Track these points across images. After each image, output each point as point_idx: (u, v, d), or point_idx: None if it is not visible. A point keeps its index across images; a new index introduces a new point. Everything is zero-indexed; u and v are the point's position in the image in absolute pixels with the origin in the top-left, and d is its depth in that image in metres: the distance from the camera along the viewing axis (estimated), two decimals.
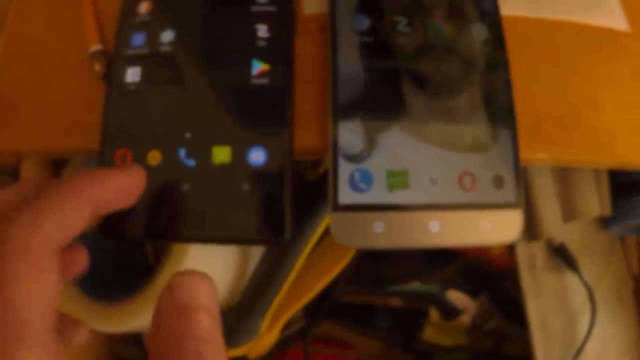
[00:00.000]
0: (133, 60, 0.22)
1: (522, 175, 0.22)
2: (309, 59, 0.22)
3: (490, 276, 0.29)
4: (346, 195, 0.20)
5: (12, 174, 0.29)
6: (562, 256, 0.28)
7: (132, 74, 0.22)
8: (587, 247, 0.30)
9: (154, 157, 0.21)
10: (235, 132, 0.21)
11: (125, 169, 0.19)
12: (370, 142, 0.21)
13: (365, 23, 0.22)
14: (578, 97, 0.25)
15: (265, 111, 0.21)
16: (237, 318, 0.25)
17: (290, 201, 0.20)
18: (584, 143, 0.25)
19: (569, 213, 0.28)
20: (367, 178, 0.21)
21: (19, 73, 0.25)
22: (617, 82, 0.27)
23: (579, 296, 0.28)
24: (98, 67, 0.23)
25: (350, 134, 0.21)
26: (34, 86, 0.25)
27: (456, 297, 0.29)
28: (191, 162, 0.21)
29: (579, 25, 0.26)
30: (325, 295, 0.27)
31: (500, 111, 0.22)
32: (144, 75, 0.22)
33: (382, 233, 0.21)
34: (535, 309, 0.27)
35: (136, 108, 0.22)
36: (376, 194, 0.21)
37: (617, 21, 0.27)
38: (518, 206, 0.22)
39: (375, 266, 0.24)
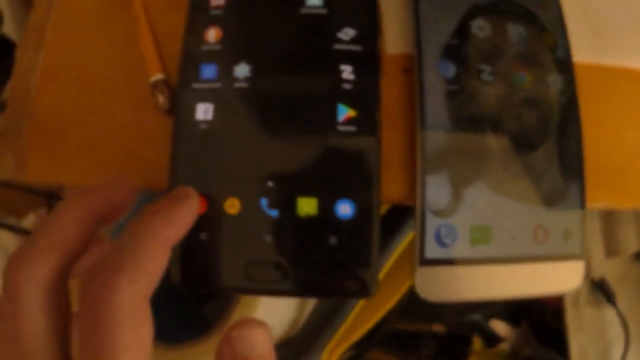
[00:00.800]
0: (203, 96, 0.21)
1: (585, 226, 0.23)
2: (391, 101, 0.22)
3: (531, 306, 0.30)
4: (432, 250, 0.20)
5: (47, 195, 0.27)
6: (602, 291, 0.29)
7: (203, 111, 0.21)
8: (623, 279, 0.31)
9: (232, 206, 0.20)
10: (321, 183, 0.20)
11: (186, 199, 0.18)
12: (456, 197, 0.21)
13: (451, 70, 0.21)
14: (634, 144, 0.26)
15: (353, 160, 0.20)
16: (296, 354, 0.25)
17: (377, 255, 0.20)
18: (637, 190, 0.26)
19: (611, 250, 0.29)
20: (453, 233, 0.20)
21: (61, 96, 0.23)
22: None
23: (613, 328, 0.29)
24: (162, 99, 0.21)
25: (437, 188, 0.20)
26: (80, 112, 0.23)
27: (499, 326, 0.30)
28: (274, 213, 0.20)
29: (637, 71, 0.27)
30: (376, 326, 0.27)
31: (571, 163, 0.23)
32: (216, 113, 0.21)
33: (464, 286, 0.21)
34: (576, 342, 0.28)
35: (209, 149, 0.20)
36: (459, 249, 0.21)
37: None
38: (582, 257, 0.23)
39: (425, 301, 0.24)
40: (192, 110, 0.21)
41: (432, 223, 0.20)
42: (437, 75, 0.21)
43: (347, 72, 0.21)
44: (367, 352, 0.28)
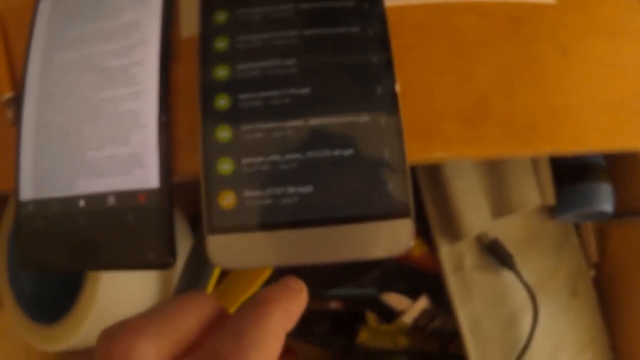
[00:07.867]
0: None
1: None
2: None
3: (427, 276, 0.28)
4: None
5: None
6: (495, 254, 0.26)
7: None
8: (534, 239, 0.28)
9: None
10: None
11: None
12: None
13: None
14: (487, 86, 0.23)
15: None
16: None
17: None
18: (494, 136, 0.23)
19: (502, 207, 0.26)
20: None
21: None
22: (536, 64, 0.24)
23: (519, 295, 0.26)
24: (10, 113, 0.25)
25: None
26: None
27: (392, 298, 0.28)
28: None
29: (488, 4, 0.24)
30: None
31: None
32: None
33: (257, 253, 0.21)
34: (466, 313, 0.26)
35: None
36: None
37: None
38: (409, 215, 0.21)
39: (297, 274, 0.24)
40: None
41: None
42: None
43: None
44: None
